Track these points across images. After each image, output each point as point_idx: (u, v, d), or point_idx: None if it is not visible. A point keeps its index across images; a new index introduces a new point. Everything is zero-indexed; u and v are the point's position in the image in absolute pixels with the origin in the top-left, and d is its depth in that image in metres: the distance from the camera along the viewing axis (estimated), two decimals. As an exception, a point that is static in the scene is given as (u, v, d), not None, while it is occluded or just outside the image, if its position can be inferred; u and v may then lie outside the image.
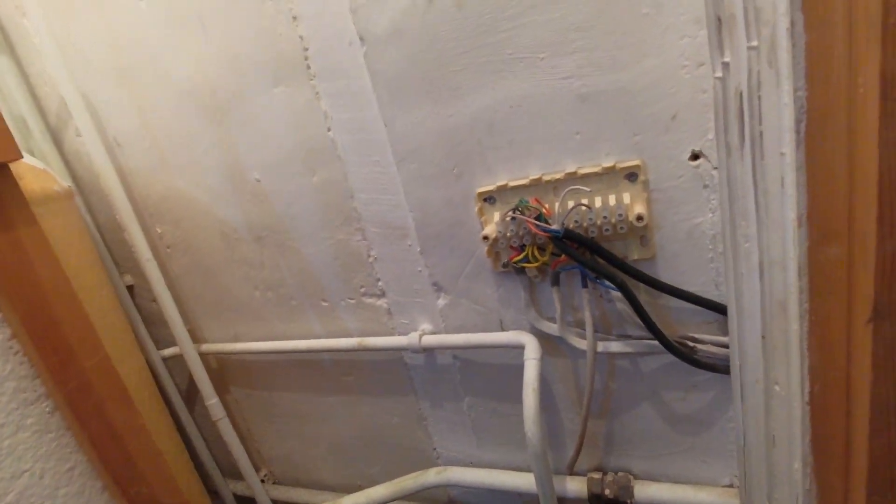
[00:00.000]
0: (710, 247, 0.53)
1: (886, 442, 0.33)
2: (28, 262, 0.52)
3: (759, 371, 0.36)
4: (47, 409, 0.54)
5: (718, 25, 0.31)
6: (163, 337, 0.94)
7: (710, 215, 0.52)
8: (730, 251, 0.37)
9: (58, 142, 0.82)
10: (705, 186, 0.51)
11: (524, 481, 0.70)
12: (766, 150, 0.29)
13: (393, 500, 0.75)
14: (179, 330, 0.83)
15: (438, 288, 0.68)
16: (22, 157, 0.50)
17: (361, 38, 0.57)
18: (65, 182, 0.75)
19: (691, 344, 0.57)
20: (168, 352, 0.93)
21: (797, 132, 0.27)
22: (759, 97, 0.29)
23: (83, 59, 0.75)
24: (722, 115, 0.33)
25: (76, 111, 0.72)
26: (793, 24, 0.25)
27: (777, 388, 0.34)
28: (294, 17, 0.60)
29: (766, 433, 0.37)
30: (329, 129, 0.64)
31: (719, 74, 0.32)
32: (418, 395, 0.78)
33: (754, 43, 0.28)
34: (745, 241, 0.34)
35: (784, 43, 0.26)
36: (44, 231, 0.54)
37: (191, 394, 1.00)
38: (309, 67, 0.62)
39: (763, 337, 0.34)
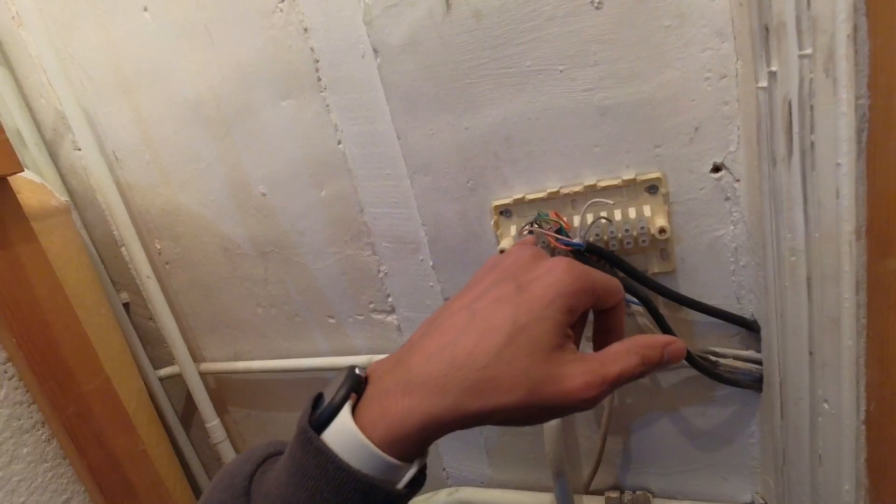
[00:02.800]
0: (732, 259, 0.53)
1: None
2: (26, 281, 0.49)
3: (804, 388, 0.35)
4: (44, 438, 0.51)
5: (765, 34, 0.30)
6: (159, 356, 0.91)
7: (732, 228, 0.51)
8: (771, 264, 0.36)
9: (53, 155, 0.80)
10: (727, 199, 0.51)
11: (540, 501, 0.68)
12: (819, 160, 0.28)
13: (403, 523, 0.73)
14: (179, 348, 0.80)
15: (451, 303, 0.67)
16: (23, 170, 0.48)
17: (375, 50, 0.56)
18: (62, 196, 0.73)
19: (713, 358, 0.56)
20: (165, 371, 0.89)
21: (858, 142, 0.26)
22: (812, 106, 0.28)
23: (82, 71, 0.73)
24: (766, 125, 0.32)
25: (75, 124, 0.69)
26: (855, 30, 0.24)
27: (826, 405, 0.33)
28: (305, 29, 0.59)
29: (811, 452, 0.36)
30: (339, 143, 0.63)
31: (764, 84, 0.32)
32: (428, 414, 0.76)
33: (808, 51, 0.27)
34: (791, 254, 0.33)
35: (842, 50, 0.25)
36: (42, 248, 0.52)
37: (187, 415, 0.96)
38: (319, 80, 0.61)
39: (811, 353, 0.33)
